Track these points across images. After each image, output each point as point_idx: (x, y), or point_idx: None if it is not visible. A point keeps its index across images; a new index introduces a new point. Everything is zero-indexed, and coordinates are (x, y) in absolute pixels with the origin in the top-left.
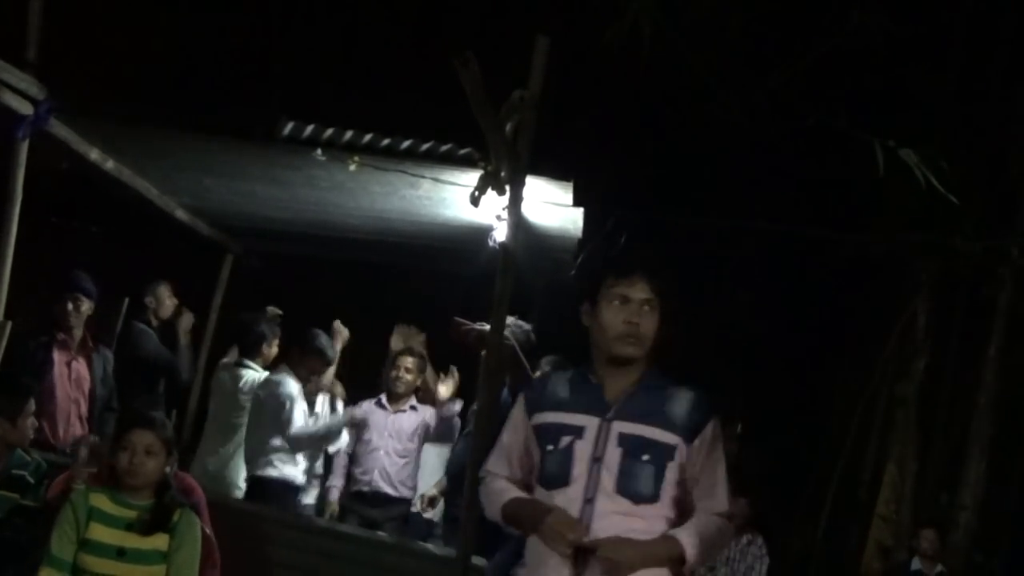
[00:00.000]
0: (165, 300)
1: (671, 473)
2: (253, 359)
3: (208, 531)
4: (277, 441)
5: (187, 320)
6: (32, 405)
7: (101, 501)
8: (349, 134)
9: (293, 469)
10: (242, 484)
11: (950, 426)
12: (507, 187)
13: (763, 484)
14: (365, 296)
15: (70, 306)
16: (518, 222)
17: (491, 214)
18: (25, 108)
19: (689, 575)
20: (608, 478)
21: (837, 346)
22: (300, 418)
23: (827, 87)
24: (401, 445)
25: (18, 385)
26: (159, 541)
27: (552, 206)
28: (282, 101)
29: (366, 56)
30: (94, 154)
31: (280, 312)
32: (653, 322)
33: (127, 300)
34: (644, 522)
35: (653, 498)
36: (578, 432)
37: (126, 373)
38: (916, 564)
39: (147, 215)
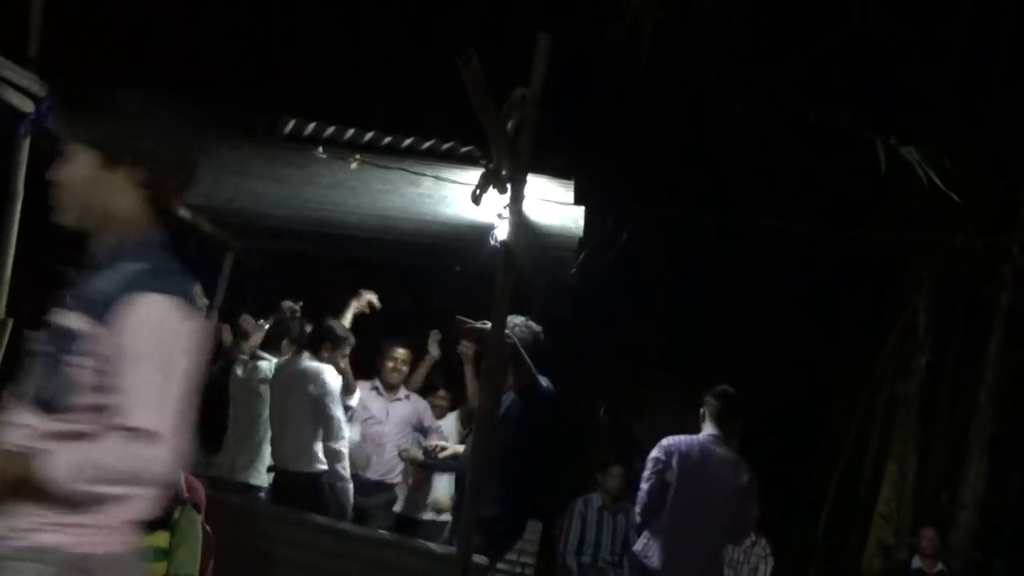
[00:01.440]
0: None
1: (83, 373)
2: (269, 351)
3: (207, 528)
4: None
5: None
6: None
7: None
8: (350, 132)
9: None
10: (265, 474)
11: (951, 424)
12: (508, 185)
13: (764, 483)
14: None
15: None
16: (519, 220)
17: (492, 212)
18: (26, 105)
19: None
20: (30, 385)
21: (838, 344)
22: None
23: (829, 84)
24: (398, 435)
25: None
26: (159, 539)
27: (553, 204)
28: (283, 99)
29: (368, 54)
30: None
31: (295, 306)
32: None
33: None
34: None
35: (65, 407)
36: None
37: None
38: (917, 563)
39: None
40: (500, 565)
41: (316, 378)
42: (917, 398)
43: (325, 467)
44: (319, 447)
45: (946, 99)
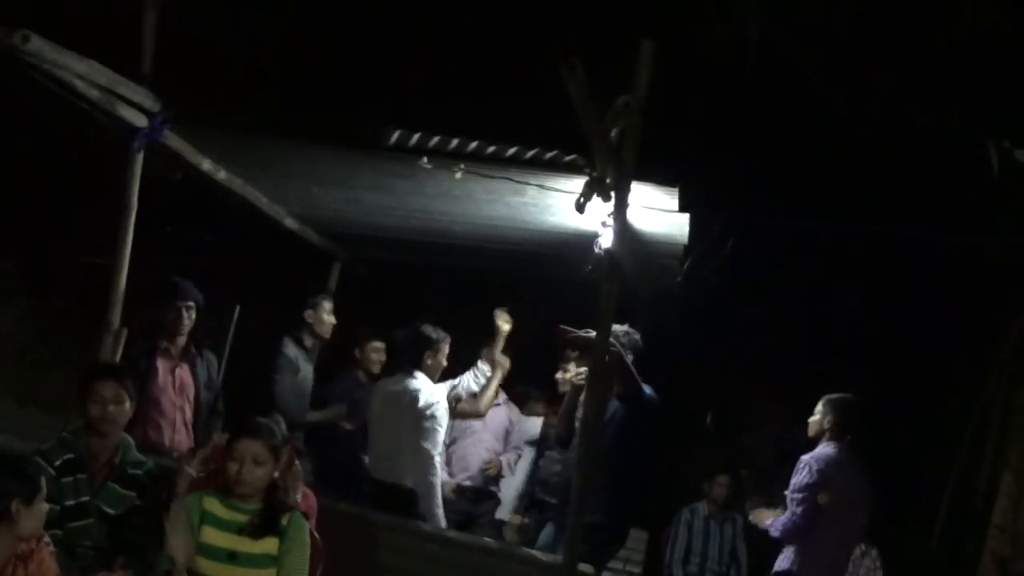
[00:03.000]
0: (324, 317)
1: None
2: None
3: (316, 535)
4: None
5: (374, 353)
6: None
7: (213, 505)
8: (455, 142)
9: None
10: None
11: None
12: (612, 193)
13: (877, 494)
14: (471, 303)
15: (178, 315)
16: (623, 228)
17: (596, 220)
18: (140, 120)
19: None
20: None
21: (952, 351)
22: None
23: (939, 87)
24: (495, 440)
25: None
26: (269, 545)
27: (658, 212)
28: (388, 109)
29: (471, 63)
30: (206, 164)
31: None
32: None
33: (238, 307)
34: None
35: None
36: None
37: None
38: None
39: (257, 223)
40: (604, 574)
41: (416, 394)
42: None
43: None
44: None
45: None
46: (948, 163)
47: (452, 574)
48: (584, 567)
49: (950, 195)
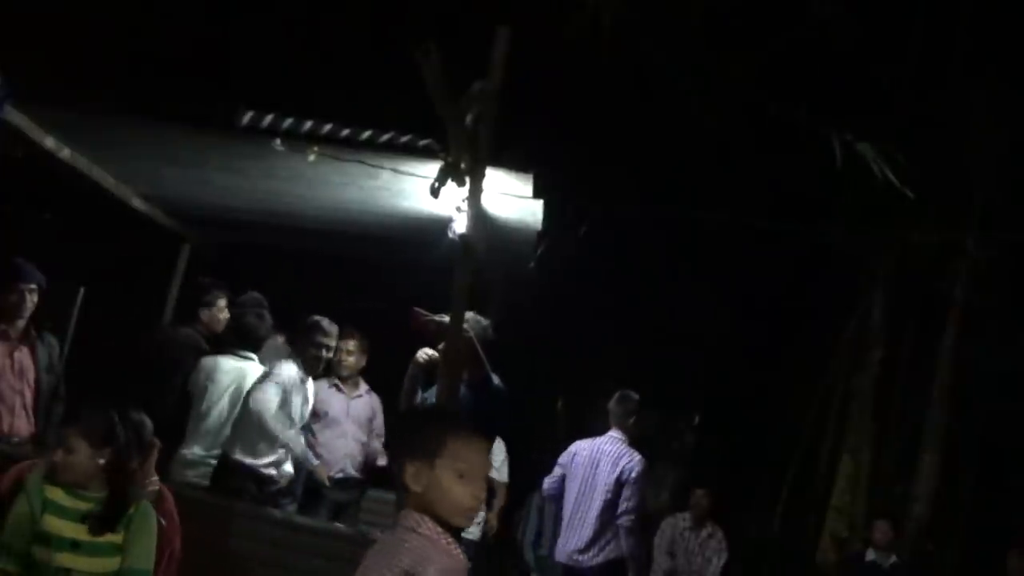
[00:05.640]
0: (220, 317)
1: None
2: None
3: (167, 524)
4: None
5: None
6: None
7: (56, 493)
8: (308, 124)
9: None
10: None
11: (905, 418)
12: (467, 178)
13: (722, 476)
14: (323, 286)
15: (20, 297)
16: (478, 214)
17: (451, 205)
18: None
19: None
20: None
21: (794, 338)
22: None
23: (786, 81)
24: (359, 430)
25: None
26: (114, 535)
27: (512, 198)
28: (241, 90)
29: (327, 45)
30: (50, 142)
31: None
32: None
33: (82, 289)
34: None
35: None
36: None
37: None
38: (871, 555)
39: (103, 204)
40: None
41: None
42: (872, 392)
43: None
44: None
45: (903, 95)
46: (794, 155)
47: (310, 561)
48: None
49: (796, 187)
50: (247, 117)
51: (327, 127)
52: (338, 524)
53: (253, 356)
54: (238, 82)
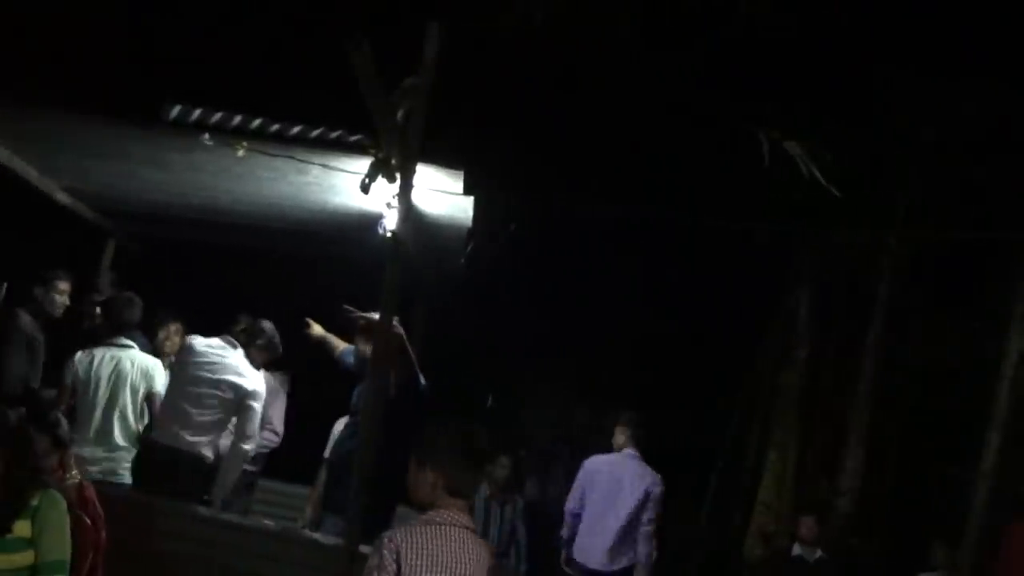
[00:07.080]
0: (55, 298)
1: None
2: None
3: (92, 515)
4: None
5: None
6: None
7: None
8: (238, 119)
9: None
10: None
11: (830, 414)
12: (397, 175)
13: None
14: (252, 283)
15: None
16: (408, 210)
17: (381, 202)
18: None
19: None
20: None
21: (721, 335)
22: None
23: (715, 78)
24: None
25: None
26: (21, 528)
27: (442, 194)
28: (168, 83)
29: (256, 39)
30: None
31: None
32: None
33: (5, 285)
34: None
35: None
36: None
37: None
38: (797, 550)
39: (25, 197)
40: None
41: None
42: (797, 388)
43: None
44: None
45: (829, 94)
46: (722, 152)
47: (232, 557)
48: (366, 548)
49: (724, 183)
50: (175, 111)
51: (257, 122)
52: (267, 521)
53: (132, 344)
54: (164, 75)
